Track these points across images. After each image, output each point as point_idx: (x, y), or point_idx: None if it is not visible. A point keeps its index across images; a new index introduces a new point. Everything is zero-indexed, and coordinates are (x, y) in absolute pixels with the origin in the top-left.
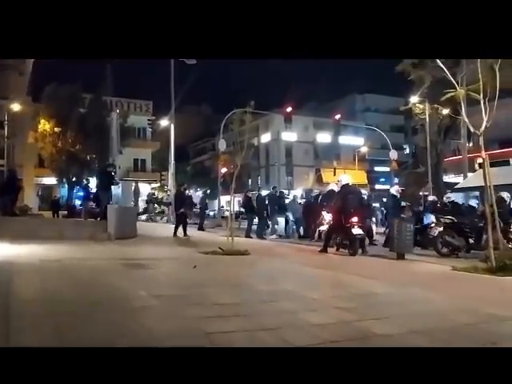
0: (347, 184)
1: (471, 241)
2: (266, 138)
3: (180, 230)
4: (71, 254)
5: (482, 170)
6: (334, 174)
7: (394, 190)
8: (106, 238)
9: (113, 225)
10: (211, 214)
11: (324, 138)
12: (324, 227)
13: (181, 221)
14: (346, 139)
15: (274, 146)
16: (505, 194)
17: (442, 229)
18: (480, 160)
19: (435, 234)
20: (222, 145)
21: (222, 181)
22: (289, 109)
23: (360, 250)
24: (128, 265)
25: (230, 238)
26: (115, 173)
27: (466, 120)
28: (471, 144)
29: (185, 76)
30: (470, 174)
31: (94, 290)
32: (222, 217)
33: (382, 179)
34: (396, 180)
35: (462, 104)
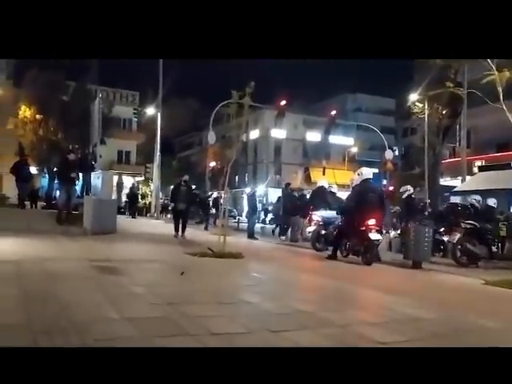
0: (368, 179)
1: (494, 249)
2: (254, 134)
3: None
4: (36, 252)
5: (481, 174)
6: (323, 174)
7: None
8: (80, 234)
9: (89, 219)
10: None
11: (314, 136)
12: (311, 228)
13: (180, 218)
14: (336, 139)
15: (262, 142)
16: None
17: (461, 235)
18: (479, 163)
19: (454, 241)
20: (211, 137)
21: (210, 175)
22: (283, 102)
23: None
24: (100, 268)
25: (222, 237)
26: (95, 161)
27: (505, 108)
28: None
29: (173, 68)
30: (468, 177)
31: (48, 308)
32: None
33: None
34: (384, 182)
35: (500, 90)
